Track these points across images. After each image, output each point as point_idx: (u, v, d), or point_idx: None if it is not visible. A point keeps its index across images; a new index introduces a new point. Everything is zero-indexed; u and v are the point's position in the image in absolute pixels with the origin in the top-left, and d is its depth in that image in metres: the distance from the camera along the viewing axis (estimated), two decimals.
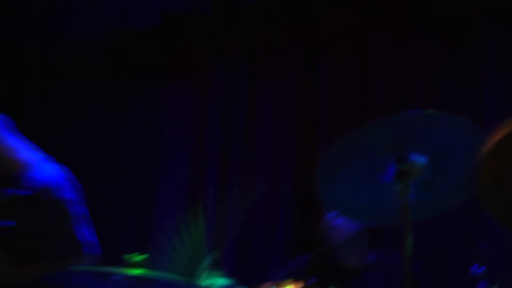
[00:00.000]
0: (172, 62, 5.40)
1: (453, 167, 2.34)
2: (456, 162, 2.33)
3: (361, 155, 2.37)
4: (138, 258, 2.97)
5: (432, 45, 4.42)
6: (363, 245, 3.58)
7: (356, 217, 3.01)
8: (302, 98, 4.77)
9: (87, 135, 5.44)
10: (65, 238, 3.33)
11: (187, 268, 3.62)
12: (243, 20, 5.03)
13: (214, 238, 3.97)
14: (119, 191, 5.32)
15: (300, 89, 4.80)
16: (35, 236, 3.33)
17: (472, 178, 2.30)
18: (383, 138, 2.30)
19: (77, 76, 5.61)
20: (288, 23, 4.94)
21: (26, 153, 3.47)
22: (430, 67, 4.40)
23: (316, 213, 3.92)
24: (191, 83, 5.31)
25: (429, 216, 2.56)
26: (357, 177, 2.40)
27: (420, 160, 2.30)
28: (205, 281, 3.35)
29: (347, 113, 4.57)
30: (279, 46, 4.98)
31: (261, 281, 2.88)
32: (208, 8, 4.89)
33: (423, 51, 4.43)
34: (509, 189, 0.97)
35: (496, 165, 0.99)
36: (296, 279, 2.61)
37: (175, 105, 5.34)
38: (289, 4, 4.83)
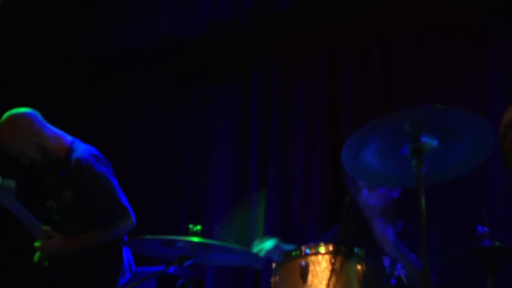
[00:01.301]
0: (217, 65, 5.42)
1: (459, 145, 2.36)
2: (461, 141, 2.35)
3: (381, 138, 2.40)
4: (196, 228, 3.03)
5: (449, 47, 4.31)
6: (389, 215, 3.45)
7: (378, 183, 3.07)
8: (329, 90, 4.72)
9: (151, 129, 5.54)
10: (113, 203, 3.38)
11: (239, 237, 3.62)
12: (276, 26, 4.99)
13: (261, 213, 3.97)
14: (180, 174, 5.39)
15: (327, 84, 4.75)
16: (90, 204, 3.41)
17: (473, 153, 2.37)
18: (399, 126, 2.32)
19: (139, 79, 5.71)
20: (314, 27, 4.90)
21: (66, 139, 3.54)
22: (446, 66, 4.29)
23: (345, 188, 3.93)
24: (234, 82, 5.32)
25: (440, 182, 2.58)
26: (378, 153, 2.43)
27: (430, 140, 2.32)
28: (255, 248, 3.35)
29: (368, 104, 4.51)
30: (308, 47, 4.95)
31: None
32: (246, 18, 4.87)
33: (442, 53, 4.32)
34: None
35: None
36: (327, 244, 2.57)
37: (220, 102, 5.36)
38: (314, 11, 4.79)
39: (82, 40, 5.54)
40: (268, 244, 3.36)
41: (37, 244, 3.46)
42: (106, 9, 5.55)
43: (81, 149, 3.50)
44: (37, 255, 3.46)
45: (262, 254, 3.27)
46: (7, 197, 3.45)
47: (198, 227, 3.04)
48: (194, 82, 5.53)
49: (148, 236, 3.01)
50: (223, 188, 4.97)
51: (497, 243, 2.86)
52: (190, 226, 3.04)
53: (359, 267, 2.42)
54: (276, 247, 3.32)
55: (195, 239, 2.94)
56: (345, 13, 4.75)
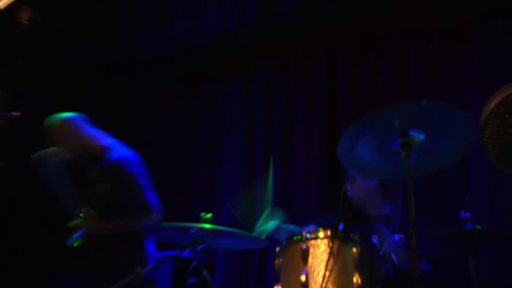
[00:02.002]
0: (225, 69, 5.44)
1: (444, 138, 2.37)
2: (446, 134, 2.35)
3: (373, 133, 2.40)
4: (207, 216, 3.05)
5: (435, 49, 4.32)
6: (378, 199, 3.52)
7: (370, 175, 3.09)
8: (327, 89, 4.74)
9: (167, 127, 5.57)
10: (138, 200, 3.46)
11: (246, 221, 3.65)
12: (277, 33, 5.01)
13: (265, 199, 3.98)
14: (192, 168, 5.42)
15: (325, 83, 4.77)
16: (118, 198, 3.49)
17: (457, 145, 2.37)
18: (389, 120, 2.32)
19: (156, 82, 5.73)
20: (312, 32, 4.92)
21: (105, 140, 3.67)
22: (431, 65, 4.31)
23: (341, 177, 3.94)
24: (240, 84, 5.34)
25: (428, 173, 2.58)
26: (371, 147, 2.44)
27: (418, 135, 2.33)
28: (260, 229, 3.39)
29: (362, 102, 4.53)
30: (307, 51, 4.97)
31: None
32: (250, 27, 4.89)
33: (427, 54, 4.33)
34: (508, 141, 1.00)
35: (497, 122, 1.01)
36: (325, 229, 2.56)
37: (229, 102, 5.39)
38: (312, 19, 4.80)
39: (104, 46, 5.58)
40: (271, 224, 3.39)
41: (71, 224, 3.52)
42: (125, 20, 5.58)
43: (116, 150, 3.61)
44: (72, 235, 3.53)
45: (265, 234, 3.32)
46: (56, 169, 3.58)
47: (209, 215, 3.07)
48: (205, 84, 5.57)
49: (164, 224, 3.03)
50: (231, 180, 5.00)
51: (478, 227, 2.87)
52: (202, 214, 3.06)
53: (354, 250, 2.42)
54: (278, 228, 3.37)
55: (207, 225, 2.98)
56: (341, 20, 4.77)
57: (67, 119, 3.69)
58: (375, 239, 2.99)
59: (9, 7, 1.81)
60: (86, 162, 3.67)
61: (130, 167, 3.54)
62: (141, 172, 3.58)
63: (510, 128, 1.00)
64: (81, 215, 3.54)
